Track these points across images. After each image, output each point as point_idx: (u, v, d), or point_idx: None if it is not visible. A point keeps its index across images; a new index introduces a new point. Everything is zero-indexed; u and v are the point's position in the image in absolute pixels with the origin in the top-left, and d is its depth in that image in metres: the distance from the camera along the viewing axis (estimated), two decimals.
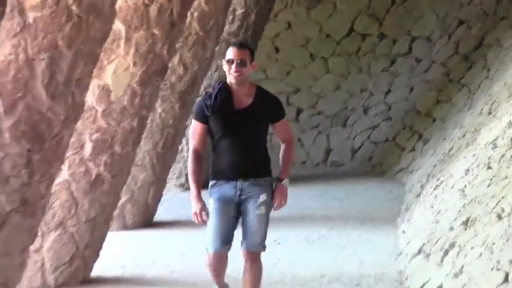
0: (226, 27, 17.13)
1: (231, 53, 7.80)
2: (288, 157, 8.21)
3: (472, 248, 8.73)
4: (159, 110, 14.02)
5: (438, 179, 14.22)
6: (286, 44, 22.94)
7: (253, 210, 7.89)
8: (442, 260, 9.33)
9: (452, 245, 9.42)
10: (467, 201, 10.42)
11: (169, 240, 12.90)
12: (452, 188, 12.11)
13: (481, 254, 8.29)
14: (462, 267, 8.51)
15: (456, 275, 8.48)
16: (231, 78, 7.82)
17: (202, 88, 16.33)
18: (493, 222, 8.73)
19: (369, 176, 20.35)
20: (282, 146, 8.20)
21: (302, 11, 22.85)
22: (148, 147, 14.01)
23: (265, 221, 7.96)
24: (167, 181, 15.23)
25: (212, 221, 7.85)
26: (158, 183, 14.30)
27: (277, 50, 22.96)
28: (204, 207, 7.81)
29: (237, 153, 7.86)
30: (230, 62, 7.77)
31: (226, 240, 7.87)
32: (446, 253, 9.39)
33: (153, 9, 10.98)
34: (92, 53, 7.20)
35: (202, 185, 7.91)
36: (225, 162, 7.87)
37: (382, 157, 21.47)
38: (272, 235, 13.17)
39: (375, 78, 22.40)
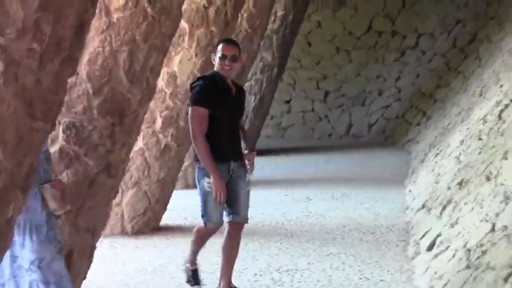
0: (270, 26, 17.11)
1: (224, 49, 7.16)
2: (247, 136, 7.64)
3: (466, 203, 8.71)
4: None
5: (438, 148, 14.18)
6: (317, 39, 22.88)
7: (245, 187, 7.24)
8: (441, 214, 9.32)
9: (449, 202, 9.40)
10: (462, 166, 10.40)
11: None
12: (449, 155, 12.08)
13: (472, 209, 8.28)
14: (457, 219, 8.50)
15: (452, 225, 8.47)
16: (222, 72, 7.14)
17: (249, 74, 16.36)
18: (482, 183, 8.71)
19: (382, 146, 20.32)
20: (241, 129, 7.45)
21: (329, 13, 22.77)
22: None
23: (249, 197, 7.41)
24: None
25: (211, 198, 7.05)
26: None
27: (309, 44, 22.90)
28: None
29: (230, 137, 7.20)
30: (223, 57, 7.11)
31: (222, 214, 7.21)
32: (444, 208, 9.37)
33: (211, 11, 10.99)
34: (163, 46, 7.23)
35: None
36: (221, 145, 7.09)
37: (393, 130, 21.43)
38: (304, 193, 13.31)
39: (388, 67, 22.32)
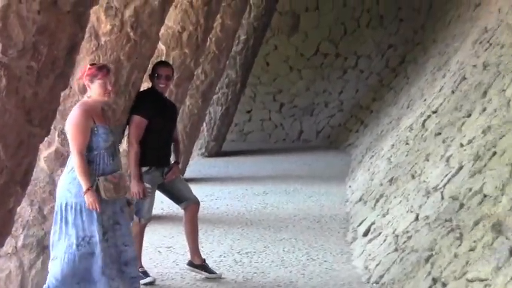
0: (234, 48, 17.10)
1: (160, 69, 7.19)
2: (179, 149, 7.44)
3: (395, 197, 8.75)
4: (187, 103, 14.00)
5: (373, 151, 14.22)
6: (274, 60, 22.87)
7: (180, 179, 7.27)
8: (374, 205, 9.35)
9: (381, 195, 9.43)
10: (392, 166, 10.44)
11: (194, 190, 12.91)
12: (382, 157, 12.12)
13: (400, 202, 8.32)
14: (388, 210, 8.53)
15: (384, 215, 8.50)
16: (159, 89, 7.13)
17: (217, 88, 16.34)
18: (408, 180, 8.75)
19: (327, 149, 20.34)
20: (174, 143, 7.25)
21: (284, 37, 22.76)
22: (180, 128, 13.98)
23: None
24: (192, 151, 15.23)
25: (149, 201, 7.06)
26: (187, 152, 14.29)
27: (267, 64, 22.87)
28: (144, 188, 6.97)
29: (166, 146, 7.11)
30: (159, 76, 7.11)
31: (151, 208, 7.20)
32: (377, 201, 9.40)
33: (185, 35, 10.96)
34: (143, 65, 7.20)
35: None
36: (159, 154, 6.99)
37: (337, 136, 21.46)
38: (262, 188, 13.30)
39: (332, 83, 22.35)
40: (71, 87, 6.71)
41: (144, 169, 6.97)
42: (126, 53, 6.82)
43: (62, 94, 6.69)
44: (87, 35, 6.62)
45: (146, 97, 7.12)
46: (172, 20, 10.88)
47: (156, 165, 7.01)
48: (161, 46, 10.78)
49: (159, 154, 7.02)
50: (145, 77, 7.42)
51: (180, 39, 10.90)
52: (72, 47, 3.83)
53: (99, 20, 6.77)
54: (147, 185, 6.93)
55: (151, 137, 6.96)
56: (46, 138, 6.13)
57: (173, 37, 10.91)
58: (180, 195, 7.22)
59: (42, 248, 6.46)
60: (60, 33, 3.71)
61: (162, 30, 10.42)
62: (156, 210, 11.00)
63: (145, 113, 6.99)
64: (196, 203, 7.30)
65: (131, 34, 6.88)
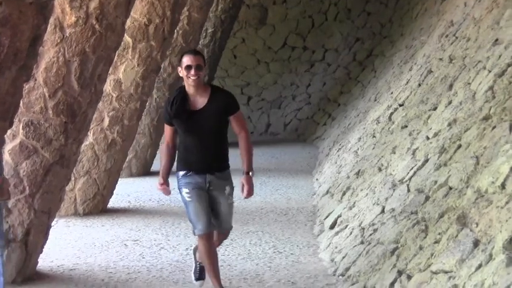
0: (201, 41, 17.06)
1: (188, 59, 6.02)
2: (246, 149, 6.19)
3: (361, 190, 8.77)
4: (155, 96, 13.96)
5: (340, 144, 14.26)
6: (241, 53, 22.86)
7: (225, 200, 6.15)
8: (341, 198, 9.36)
9: (348, 188, 9.45)
10: (359, 159, 10.47)
11: None
12: (349, 150, 12.16)
13: (367, 194, 8.34)
14: (354, 203, 8.55)
15: (350, 208, 8.51)
16: (189, 82, 6.00)
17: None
18: (375, 173, 8.78)
19: (295, 142, 20.38)
20: (239, 138, 6.20)
21: (252, 30, 22.76)
22: (147, 121, 13.96)
23: (233, 208, 6.35)
24: (160, 144, 15.18)
25: (193, 206, 6.03)
26: (154, 145, 14.26)
27: (235, 57, 22.86)
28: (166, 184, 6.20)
29: (200, 150, 6.04)
30: (188, 67, 5.97)
31: (209, 220, 6.05)
32: (344, 193, 9.41)
33: (151, 28, 10.91)
34: (109, 57, 7.15)
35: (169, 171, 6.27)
36: (192, 159, 6.05)
37: (304, 129, 21.50)
38: None
39: (300, 76, 22.39)
40: (35, 80, 6.67)
41: (181, 173, 6.11)
42: (92, 45, 6.78)
43: (27, 86, 6.68)
44: (51, 27, 6.57)
45: (167, 101, 6.25)
46: (138, 12, 10.83)
47: (192, 170, 6.09)
48: (127, 38, 10.74)
49: (194, 160, 6.08)
50: (112, 70, 7.37)
51: (147, 31, 10.86)
52: (35, 39, 3.79)
53: (64, 11, 6.72)
54: (185, 190, 6.07)
55: (181, 140, 6.18)
56: (10, 131, 6.07)
57: (139, 29, 10.86)
58: (218, 217, 6.25)
59: (7, 242, 6.42)
60: (22, 25, 3.67)
61: (129, 22, 10.40)
62: (122, 203, 11.01)
63: (164, 118, 6.26)
64: (225, 230, 6.42)
65: (96, 26, 6.84)
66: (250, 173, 6.17)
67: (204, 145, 6.06)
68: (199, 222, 6.01)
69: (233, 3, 18.49)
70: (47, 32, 6.21)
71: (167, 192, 6.21)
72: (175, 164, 6.25)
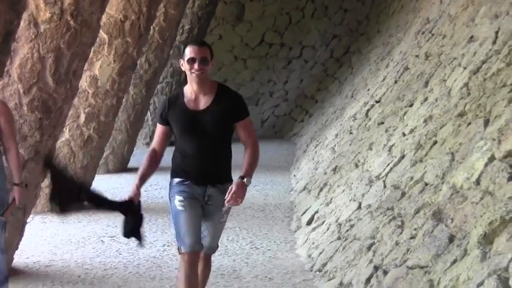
0: (178, 37, 17.00)
1: (192, 51, 5.09)
2: (252, 159, 5.38)
3: (338, 186, 8.79)
4: (131, 92, 13.90)
5: (318, 140, 14.29)
6: (218, 49, 22.78)
7: (219, 218, 5.26)
8: (318, 194, 9.38)
9: (325, 184, 9.47)
10: (336, 155, 10.49)
11: None
12: (326, 146, 12.18)
13: (343, 190, 8.36)
14: (331, 199, 8.56)
15: (327, 204, 8.53)
16: (193, 78, 5.08)
17: (161, 78, 16.27)
18: (352, 169, 8.80)
19: (273, 139, 20.35)
20: (245, 149, 5.38)
21: (229, 27, 22.72)
22: (124, 117, 13.89)
23: (224, 226, 5.46)
24: (137, 140, 15.12)
25: (184, 217, 5.10)
26: (131, 142, 14.20)
27: None
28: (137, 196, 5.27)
29: (199, 157, 5.15)
30: (191, 60, 5.06)
31: (198, 237, 5.12)
32: (321, 189, 9.43)
33: (127, 24, 10.87)
34: (84, 54, 7.11)
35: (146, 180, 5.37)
36: (190, 166, 5.16)
37: (282, 126, 21.51)
38: None
39: (277, 73, 22.38)
40: (10, 76, 6.61)
41: (175, 180, 5.24)
42: (66, 42, 6.74)
43: (1, 82, 6.62)
44: (26, 23, 6.52)
45: (164, 99, 5.39)
46: (114, 8, 10.78)
47: (189, 179, 5.19)
48: (103, 35, 10.68)
49: (193, 168, 5.19)
50: (88, 66, 7.33)
51: (123, 28, 10.81)
52: (8, 34, 3.75)
53: (39, 7, 6.67)
54: (179, 197, 5.18)
55: (178, 144, 5.30)
56: None
57: (115, 26, 10.81)
58: (205, 234, 5.29)
59: None
60: None
61: (104, 18, 10.34)
62: None
63: (158, 117, 5.37)
64: (210, 250, 5.44)
65: (71, 22, 6.79)
66: (245, 180, 5.22)
67: (204, 151, 5.17)
68: (188, 237, 5.07)
69: None
70: (21, 27, 6.17)
71: (136, 200, 5.29)
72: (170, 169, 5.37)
